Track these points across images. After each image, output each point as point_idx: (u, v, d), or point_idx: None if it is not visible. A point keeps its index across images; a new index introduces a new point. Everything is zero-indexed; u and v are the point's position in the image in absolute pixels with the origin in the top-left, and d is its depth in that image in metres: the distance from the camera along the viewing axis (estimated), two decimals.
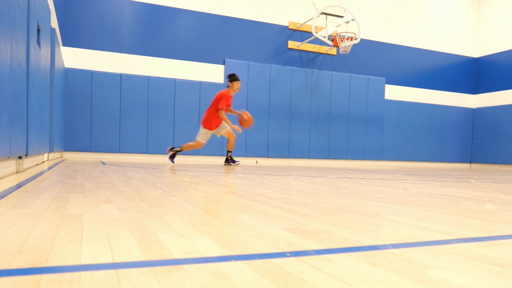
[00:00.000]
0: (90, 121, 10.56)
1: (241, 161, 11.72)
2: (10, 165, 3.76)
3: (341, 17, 11.95)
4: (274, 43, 12.73)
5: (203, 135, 8.14)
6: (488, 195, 3.11)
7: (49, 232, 1.29)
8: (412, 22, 14.76)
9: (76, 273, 0.87)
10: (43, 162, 6.69)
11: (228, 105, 8.03)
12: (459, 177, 6.25)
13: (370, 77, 13.84)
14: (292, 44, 12.90)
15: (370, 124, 13.86)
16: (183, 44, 11.63)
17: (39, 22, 4.92)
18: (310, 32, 12.42)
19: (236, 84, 7.96)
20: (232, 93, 8.02)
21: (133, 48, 11.17)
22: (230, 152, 8.30)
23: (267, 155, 12.33)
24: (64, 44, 10.42)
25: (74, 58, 10.51)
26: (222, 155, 11.70)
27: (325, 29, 11.94)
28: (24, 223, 1.42)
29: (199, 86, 11.59)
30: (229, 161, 8.27)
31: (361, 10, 13.66)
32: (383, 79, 14.07)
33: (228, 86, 8.05)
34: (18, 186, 2.72)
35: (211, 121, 8.04)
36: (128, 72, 10.99)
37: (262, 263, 0.99)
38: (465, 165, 15.81)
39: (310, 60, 13.20)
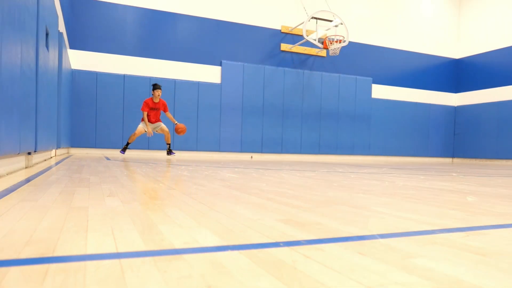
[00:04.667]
0: (95, 119, 10.52)
1: (237, 156, 11.74)
2: (20, 160, 3.74)
3: (330, 21, 11.93)
4: (268, 46, 12.71)
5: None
6: (470, 188, 3.12)
7: (56, 223, 1.28)
8: (397, 26, 14.76)
9: (82, 263, 0.87)
10: (51, 157, 6.67)
11: (153, 109, 8.43)
12: (442, 170, 6.27)
13: (357, 77, 13.85)
14: (284, 46, 12.88)
15: (358, 121, 13.87)
16: (182, 47, 11.60)
17: (47, 26, 4.89)
18: (302, 35, 12.41)
19: (156, 92, 8.28)
20: (154, 100, 8.36)
21: (135, 50, 11.13)
22: (168, 144, 8.80)
23: (261, 151, 12.33)
24: (71, 47, 10.37)
25: (80, 60, 10.46)
26: (219, 151, 11.73)
27: (315, 32, 11.92)
28: (33, 215, 1.41)
29: (197, 86, 11.57)
30: (169, 152, 8.82)
31: (349, 14, 13.63)
32: (370, 79, 14.09)
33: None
34: (27, 180, 2.71)
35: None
36: (131, 73, 10.95)
37: (257, 252, 0.99)
38: (448, 160, 15.87)
39: (301, 61, 13.19)
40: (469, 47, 15.60)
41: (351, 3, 13.88)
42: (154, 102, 8.36)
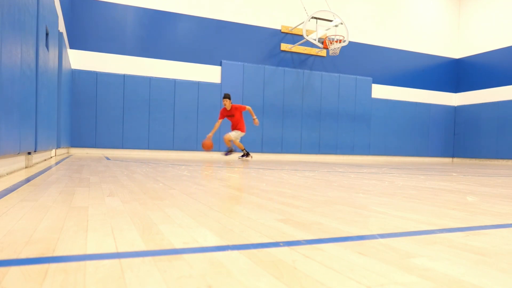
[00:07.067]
0: (95, 118, 10.53)
1: (237, 156, 11.73)
2: (20, 160, 3.74)
3: (330, 21, 11.94)
4: (268, 46, 12.72)
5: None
6: (469, 188, 3.12)
7: (56, 223, 1.28)
8: (397, 26, 14.77)
9: (82, 262, 0.87)
10: (51, 157, 6.66)
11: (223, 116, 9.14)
12: (442, 170, 6.27)
13: (358, 77, 13.85)
14: (284, 46, 12.89)
15: (358, 121, 13.88)
16: (182, 47, 11.60)
17: (47, 26, 4.89)
18: (302, 35, 12.42)
19: (223, 101, 8.92)
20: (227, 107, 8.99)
21: (135, 50, 11.13)
22: (242, 149, 9.33)
23: (261, 151, 12.33)
24: (71, 47, 10.37)
25: (80, 60, 10.47)
26: (219, 151, 11.73)
27: (315, 32, 11.92)
28: (33, 215, 1.41)
29: (198, 86, 11.57)
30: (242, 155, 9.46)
31: (349, 14, 13.65)
32: (370, 79, 14.09)
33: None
34: (27, 180, 2.71)
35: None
36: (131, 73, 10.95)
37: (257, 252, 0.99)
38: (448, 160, 15.87)
39: (301, 61, 13.19)
40: (469, 47, 15.60)
41: (351, 3, 13.88)
42: (227, 110, 9.00)
